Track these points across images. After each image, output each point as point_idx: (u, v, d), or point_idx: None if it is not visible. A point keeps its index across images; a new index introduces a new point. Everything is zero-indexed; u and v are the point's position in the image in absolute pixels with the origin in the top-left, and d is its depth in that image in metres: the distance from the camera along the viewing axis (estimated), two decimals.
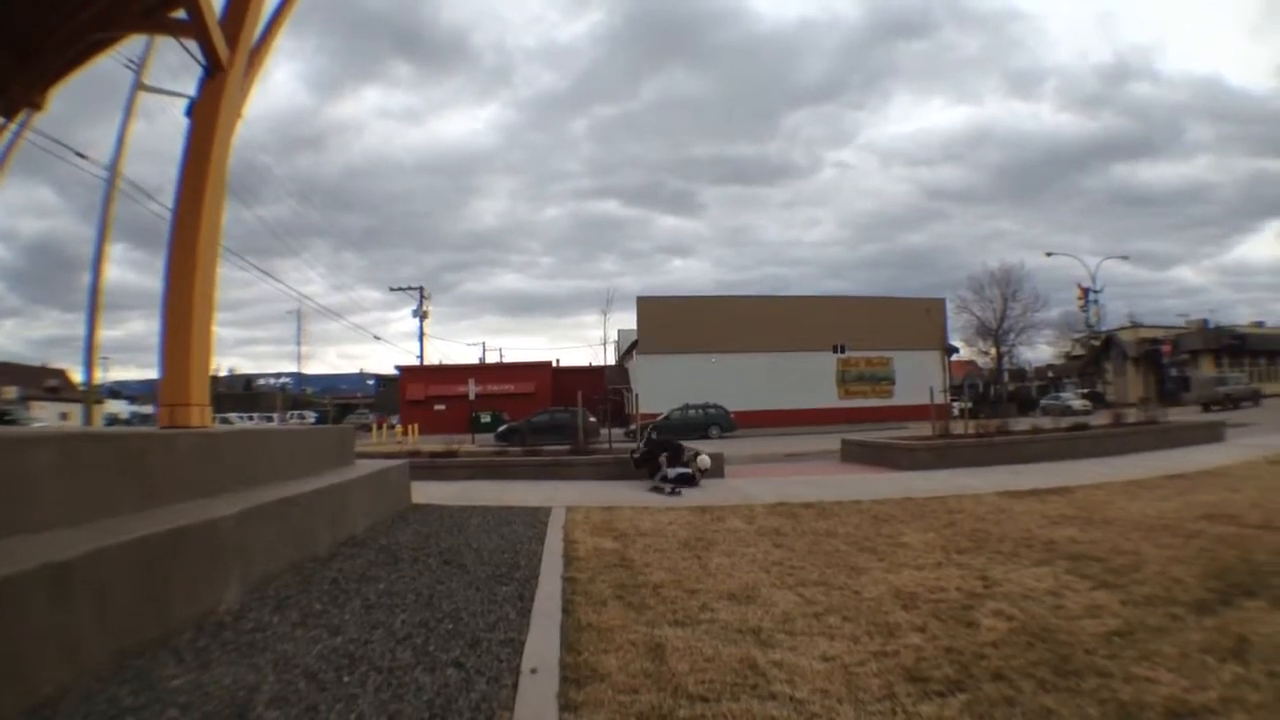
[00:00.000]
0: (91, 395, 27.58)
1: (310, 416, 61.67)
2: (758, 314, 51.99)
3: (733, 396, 45.57)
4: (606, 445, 17.49)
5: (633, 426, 31.84)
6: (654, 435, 15.65)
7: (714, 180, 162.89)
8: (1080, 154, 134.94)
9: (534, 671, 4.51)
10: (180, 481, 6.40)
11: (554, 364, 63.51)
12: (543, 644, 5.04)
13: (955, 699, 4.13)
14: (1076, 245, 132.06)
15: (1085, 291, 61.88)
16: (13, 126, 12.54)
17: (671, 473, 14.24)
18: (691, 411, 43.84)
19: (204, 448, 6.98)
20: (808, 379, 50.67)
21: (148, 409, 55.34)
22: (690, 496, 12.78)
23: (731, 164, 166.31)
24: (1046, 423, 21.16)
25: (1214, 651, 4.61)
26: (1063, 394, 57.76)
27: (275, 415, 56.99)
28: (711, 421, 43.42)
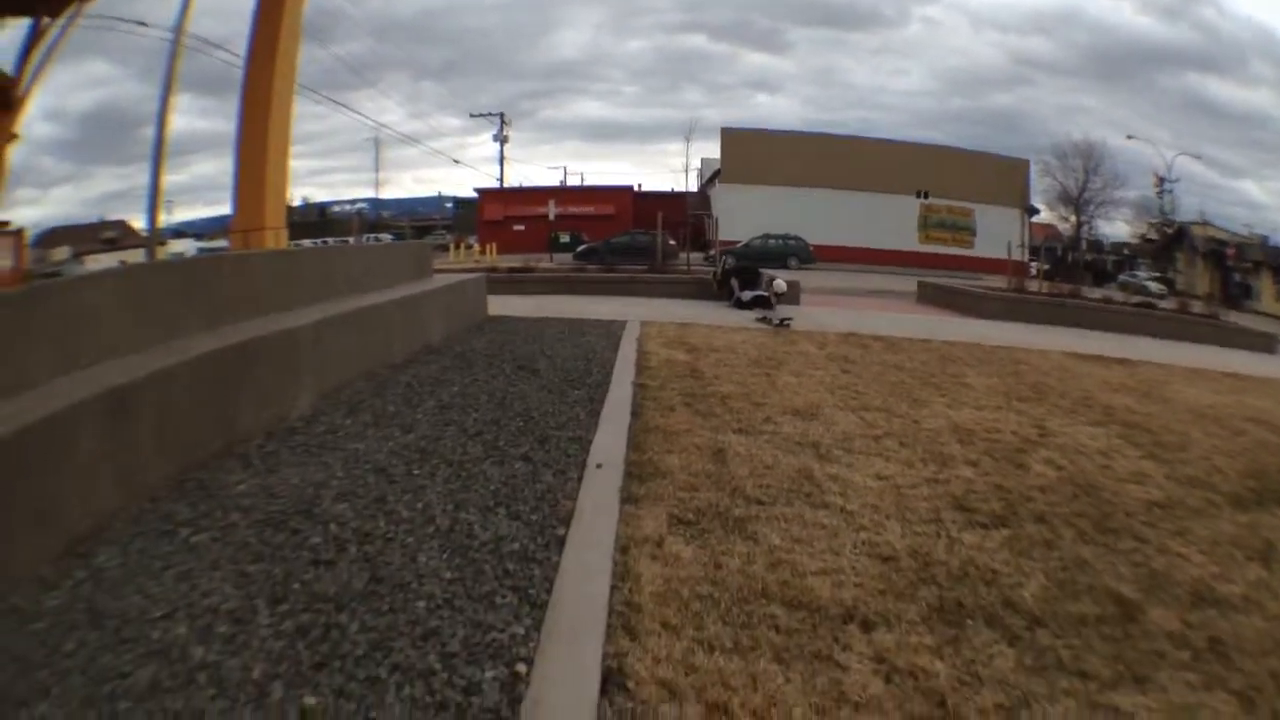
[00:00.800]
0: (155, 237, 27.86)
1: (386, 238, 62.02)
2: (842, 153, 50.21)
3: (812, 231, 44.47)
4: (685, 267, 17.45)
5: (712, 252, 31.52)
6: (730, 261, 15.51)
7: (802, 21, 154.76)
8: (1158, 54, 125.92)
9: (599, 466, 4.68)
10: (254, 299, 6.38)
11: (635, 188, 62.63)
12: (610, 442, 5.20)
13: (998, 533, 4.21)
14: (1154, 135, 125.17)
15: (1161, 180, 58.95)
16: (60, 21, 12.11)
17: (746, 295, 14.28)
18: (771, 241, 43.08)
19: (279, 267, 7.05)
20: (889, 221, 49.28)
21: (219, 243, 55.99)
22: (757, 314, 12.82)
23: (820, 7, 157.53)
24: (1119, 297, 20.38)
25: (1242, 547, 4.48)
26: (1139, 273, 55.74)
27: (350, 239, 57.56)
28: (790, 252, 42.63)
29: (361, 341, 7.05)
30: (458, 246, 53.94)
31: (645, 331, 10.49)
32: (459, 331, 9.79)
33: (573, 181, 76.65)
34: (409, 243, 10.82)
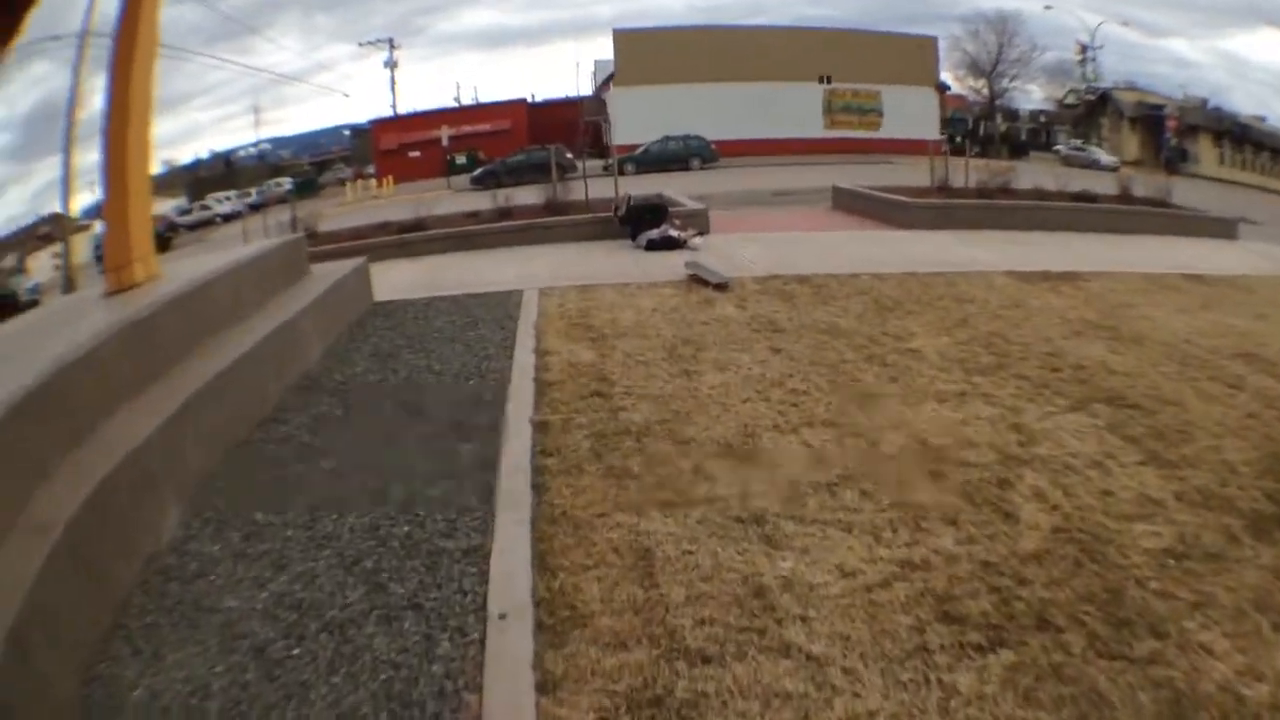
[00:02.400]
0: (66, 228, 26.05)
1: (287, 184, 59.07)
2: (740, 45, 48.39)
3: (715, 128, 43.18)
4: (584, 199, 16.06)
5: (610, 160, 30.17)
6: (630, 198, 14.23)
7: None
8: None
9: (502, 617, 3.52)
10: (101, 402, 4.76)
11: (529, 99, 60.54)
12: (512, 558, 4.02)
13: (996, 660, 3.21)
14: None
15: (1084, 48, 58.45)
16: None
17: (654, 235, 13.14)
18: (672, 143, 41.78)
19: (133, 338, 5.45)
20: (792, 110, 47.82)
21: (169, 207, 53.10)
22: (676, 263, 11.69)
23: None
24: (1051, 185, 17.95)
25: (1271, 609, 3.59)
26: (1086, 145, 53.82)
27: (254, 190, 54.70)
28: (692, 153, 41.51)
29: (230, 407, 5.72)
30: (356, 181, 51.98)
31: (544, 307, 9.17)
32: (342, 340, 8.35)
33: (466, 97, 73.99)
34: (278, 246, 9.03)
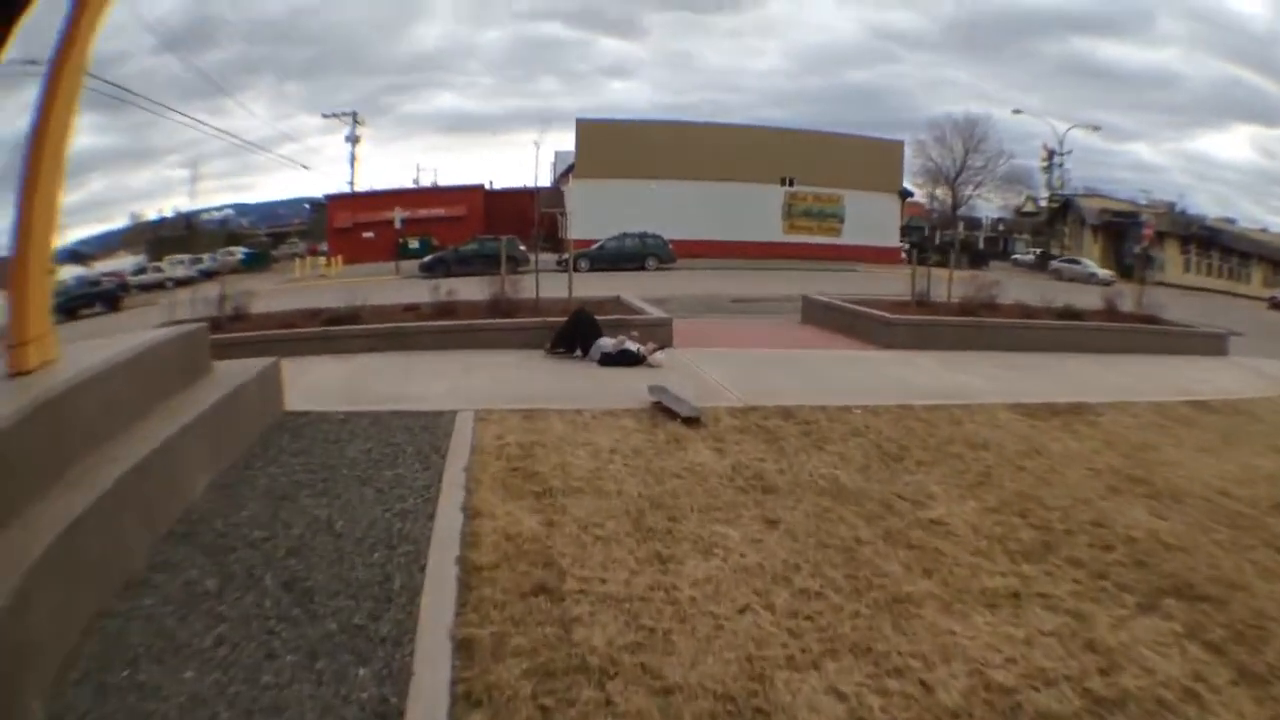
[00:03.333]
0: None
1: (239, 254, 57.78)
2: (702, 141, 48.23)
3: (672, 226, 42.54)
4: (533, 298, 14.59)
5: (564, 256, 28.90)
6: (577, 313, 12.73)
7: (658, 6, 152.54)
8: (1035, 19, 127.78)
9: None
10: None
11: (486, 186, 59.90)
12: None
13: None
14: (1027, 104, 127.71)
15: (1051, 153, 59.72)
16: None
17: (608, 344, 11.63)
18: (629, 240, 40.94)
19: None
20: (752, 211, 47.54)
21: (100, 267, 51.65)
22: (635, 384, 10.14)
23: None
24: (1035, 302, 16.94)
25: None
26: (1082, 260, 52.84)
27: (207, 256, 53.48)
28: (649, 252, 40.72)
29: (76, 580, 4.13)
30: (307, 257, 50.68)
31: (480, 439, 7.50)
32: (238, 466, 6.66)
33: (426, 179, 73.37)
34: (176, 336, 7.31)
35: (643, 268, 39.26)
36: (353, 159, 61.00)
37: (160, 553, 5.05)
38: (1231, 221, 60.00)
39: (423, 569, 4.94)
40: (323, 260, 48.14)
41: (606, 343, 11.71)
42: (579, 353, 11.92)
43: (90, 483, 4.64)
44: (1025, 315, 15.95)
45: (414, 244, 46.88)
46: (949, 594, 4.94)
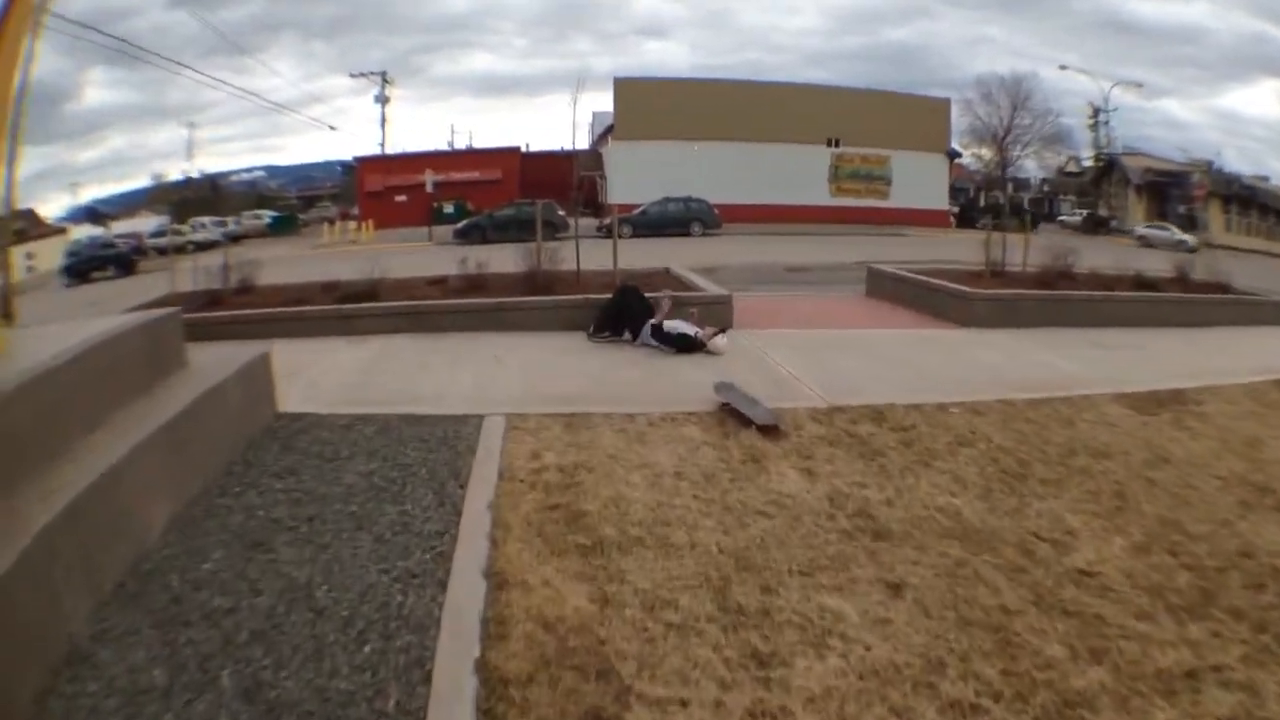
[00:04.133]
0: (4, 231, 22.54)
1: (265, 217, 56.62)
2: (746, 101, 46.07)
3: (715, 189, 40.76)
4: (574, 270, 13.06)
5: (605, 221, 27.32)
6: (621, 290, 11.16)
7: None
8: None
9: None
10: None
11: (523, 148, 58.00)
12: None
13: None
14: (1061, 61, 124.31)
15: (1096, 111, 57.60)
16: None
17: (669, 325, 10.12)
18: (671, 205, 39.24)
19: None
20: (798, 174, 45.49)
21: (123, 227, 50.75)
22: (695, 376, 8.64)
23: None
24: (1107, 268, 16.02)
25: None
26: (1164, 225, 49.77)
27: (231, 220, 52.49)
28: (694, 217, 39.03)
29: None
30: (335, 223, 49.31)
31: (510, 460, 6.00)
32: (209, 494, 5.24)
33: (461, 142, 71.66)
34: (141, 325, 5.91)
35: (687, 234, 37.67)
36: (383, 120, 59.31)
37: (105, 617, 3.79)
38: (1265, 179, 57.11)
39: (428, 678, 3.48)
40: (353, 225, 46.62)
41: (664, 323, 10.18)
42: (627, 335, 10.40)
43: (14, 529, 3.33)
44: (1104, 286, 14.29)
45: (449, 208, 45.40)
46: (1123, 684, 3.59)
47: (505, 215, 34.96)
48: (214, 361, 6.37)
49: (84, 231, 49.87)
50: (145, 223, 51.95)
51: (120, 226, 52.01)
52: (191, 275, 12.73)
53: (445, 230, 38.41)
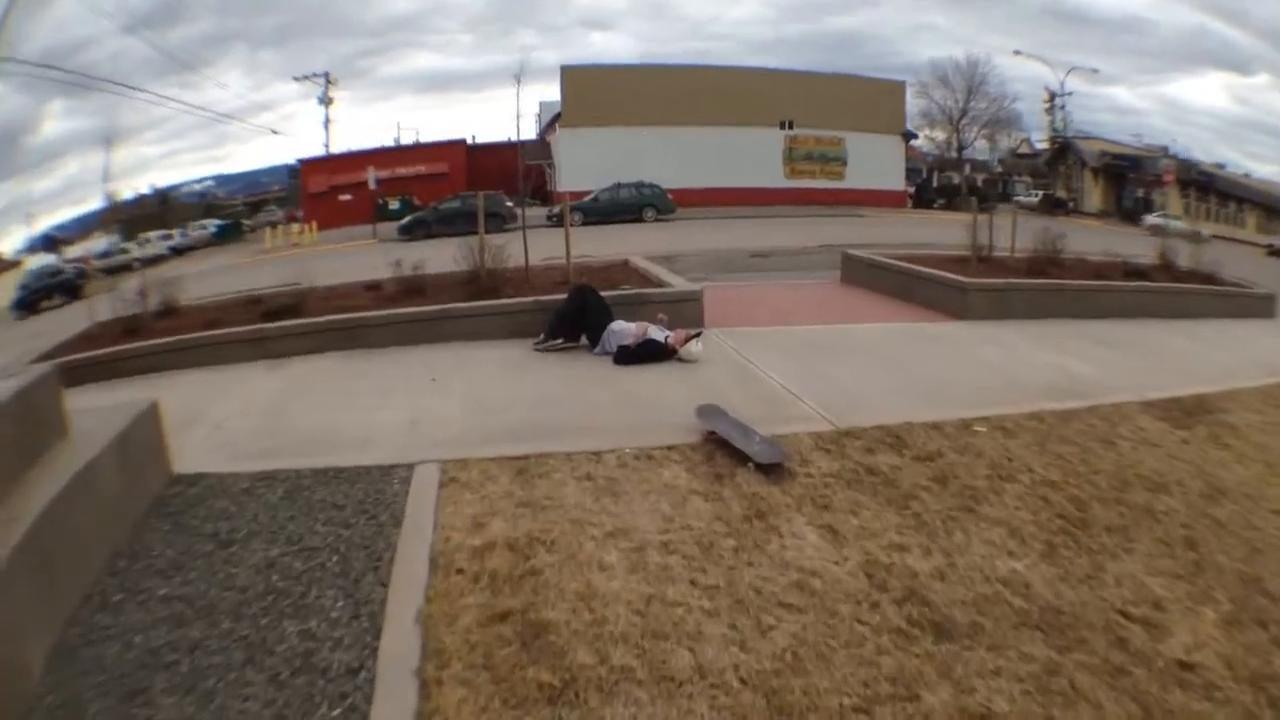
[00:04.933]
0: None
1: (211, 226, 54.56)
2: (696, 86, 44.52)
3: (667, 174, 39.43)
4: (522, 269, 11.54)
5: (555, 209, 26.00)
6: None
7: None
8: None
9: None
10: None
11: (469, 141, 56.20)
12: None
13: None
14: (1006, 48, 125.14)
15: (1052, 96, 57.81)
16: None
17: (625, 331, 8.71)
18: (624, 191, 37.78)
19: None
20: (751, 157, 44.17)
21: (78, 250, 48.61)
22: (671, 393, 7.24)
23: None
24: (1094, 256, 14.85)
25: None
26: (1166, 214, 47.01)
27: (177, 232, 50.59)
28: (647, 202, 37.63)
29: None
30: (278, 226, 47.45)
31: (447, 535, 4.53)
32: (90, 602, 3.88)
33: (409, 139, 69.71)
34: (9, 397, 4.59)
35: (640, 220, 36.37)
36: (326, 121, 57.11)
37: None
38: (1222, 167, 57.35)
39: None
40: (295, 228, 44.73)
41: (622, 329, 8.77)
42: (585, 341, 8.97)
43: None
44: (1094, 274, 13.13)
45: (394, 205, 43.66)
46: None
47: (450, 209, 33.33)
48: (97, 425, 4.83)
49: (39, 261, 47.74)
50: (96, 244, 49.81)
51: (75, 251, 49.77)
52: (112, 303, 11.10)
53: (390, 227, 36.73)
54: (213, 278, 21.21)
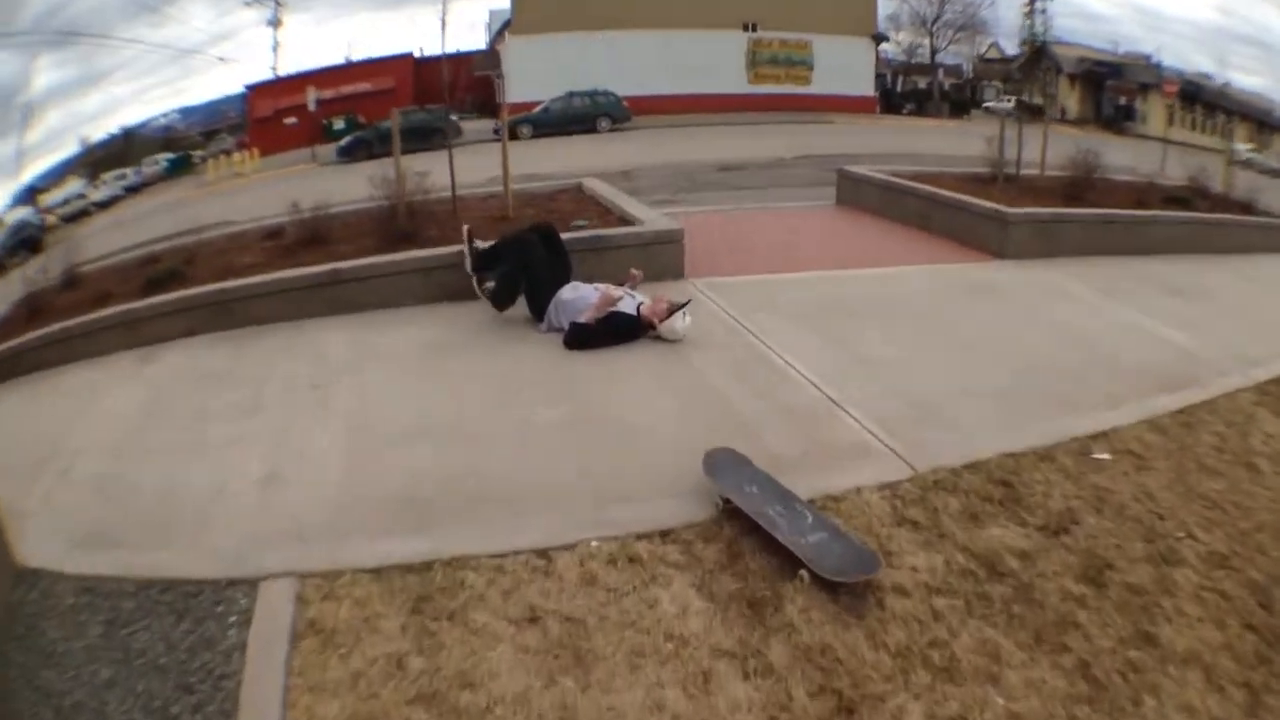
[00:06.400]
0: None
1: (162, 162, 50.91)
2: None
3: (623, 82, 36.42)
4: (449, 201, 8.90)
5: (496, 125, 23.24)
6: (481, 245, 6.75)
7: None
8: None
9: None
10: None
11: (416, 54, 52.60)
12: None
13: None
14: None
15: (1031, 1, 55.37)
16: None
17: (582, 297, 6.25)
18: (576, 100, 34.93)
19: None
20: (712, 61, 40.89)
21: (53, 199, 44.99)
22: (658, 409, 4.96)
23: None
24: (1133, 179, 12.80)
25: None
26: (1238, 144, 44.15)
27: (130, 170, 46.96)
28: (601, 112, 34.83)
29: None
30: (221, 155, 44.16)
31: None
32: None
33: (360, 57, 66.11)
34: None
35: (594, 130, 33.65)
36: (275, 45, 53.27)
37: None
38: (1208, 77, 55.17)
39: None
40: (237, 157, 41.71)
41: (577, 298, 6.27)
42: (528, 310, 6.56)
43: None
44: (1137, 203, 10.74)
45: (339, 125, 40.37)
46: None
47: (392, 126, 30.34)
48: None
49: (16, 216, 44.39)
50: (69, 190, 46.32)
51: (53, 199, 46.38)
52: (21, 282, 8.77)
53: (329, 150, 34.42)
54: (147, 221, 18.95)
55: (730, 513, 3.62)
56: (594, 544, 3.44)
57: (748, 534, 3.50)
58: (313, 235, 8.35)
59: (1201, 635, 3.05)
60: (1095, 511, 3.85)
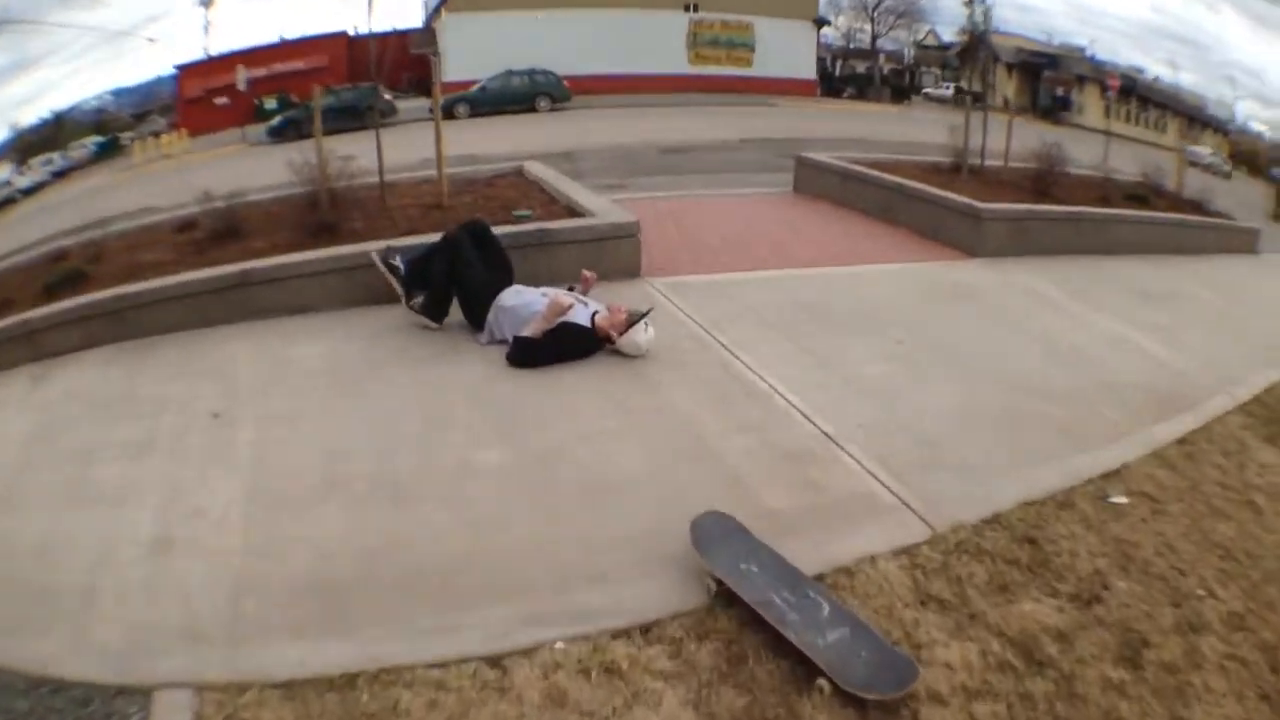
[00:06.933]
0: None
1: (90, 145, 48.67)
2: None
3: (563, 61, 35.46)
4: (378, 187, 8.04)
5: (430, 106, 22.32)
6: (399, 263, 5.88)
7: None
8: None
9: None
10: None
11: (350, 33, 51.08)
12: None
13: None
14: None
15: None
16: None
17: (526, 304, 5.48)
18: (515, 79, 33.95)
19: None
20: (652, 42, 40.21)
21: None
22: (614, 437, 4.27)
23: None
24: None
25: None
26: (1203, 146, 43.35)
27: (57, 155, 44.83)
28: (540, 91, 33.93)
29: None
30: (149, 137, 42.43)
31: None
32: None
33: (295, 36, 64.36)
34: None
35: (533, 109, 32.78)
36: (206, 25, 51.39)
37: None
38: (1140, 72, 56.37)
39: None
40: (165, 138, 40.03)
41: (520, 304, 5.51)
42: (464, 319, 5.79)
43: None
44: (1101, 200, 10.42)
45: (271, 104, 38.86)
46: None
47: (326, 104, 29.10)
48: None
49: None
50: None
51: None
52: None
53: (259, 130, 33.42)
54: (66, 209, 17.82)
55: (726, 596, 2.95)
56: (559, 645, 2.74)
57: (750, 627, 2.83)
58: (228, 228, 7.46)
59: (1227, 713, 2.70)
60: (1122, 572, 3.37)
